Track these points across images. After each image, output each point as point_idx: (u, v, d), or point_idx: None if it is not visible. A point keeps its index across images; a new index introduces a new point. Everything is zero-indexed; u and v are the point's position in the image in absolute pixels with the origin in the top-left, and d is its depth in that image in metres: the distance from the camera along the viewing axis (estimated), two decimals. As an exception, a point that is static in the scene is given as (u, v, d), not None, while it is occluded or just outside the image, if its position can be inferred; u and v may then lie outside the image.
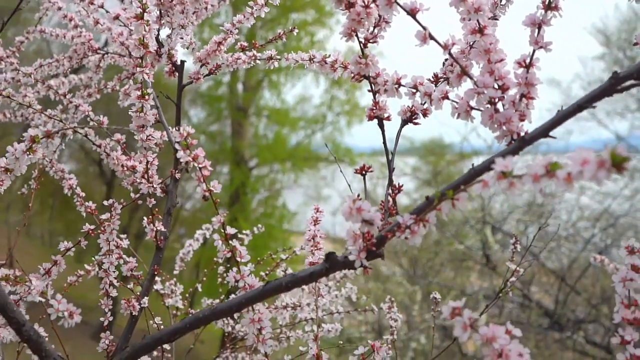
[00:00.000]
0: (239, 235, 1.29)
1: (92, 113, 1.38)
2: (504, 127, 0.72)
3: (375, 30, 0.85)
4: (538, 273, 6.41)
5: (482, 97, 0.73)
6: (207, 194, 0.82)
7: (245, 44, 1.23)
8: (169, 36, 1.19)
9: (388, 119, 0.89)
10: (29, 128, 1.13)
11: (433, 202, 0.60)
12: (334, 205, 9.28)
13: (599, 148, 0.44)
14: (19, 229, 1.48)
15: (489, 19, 0.74)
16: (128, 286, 1.12)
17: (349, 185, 1.01)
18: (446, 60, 0.84)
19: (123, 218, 1.11)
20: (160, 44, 1.18)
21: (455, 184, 0.65)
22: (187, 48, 1.21)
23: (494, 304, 1.45)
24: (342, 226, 6.89)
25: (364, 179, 0.90)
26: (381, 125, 0.89)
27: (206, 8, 1.20)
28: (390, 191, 0.84)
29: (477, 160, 0.67)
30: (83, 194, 1.21)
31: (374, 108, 0.88)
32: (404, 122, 0.88)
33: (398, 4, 0.71)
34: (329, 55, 1.05)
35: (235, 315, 1.62)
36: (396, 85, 0.86)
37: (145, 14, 0.95)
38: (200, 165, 0.80)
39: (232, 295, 0.82)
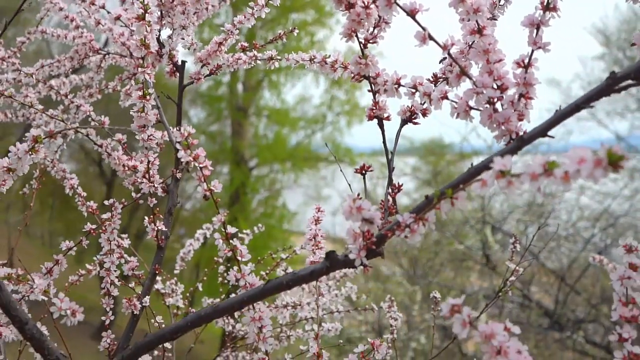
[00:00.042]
0: (239, 235, 1.29)
1: (93, 113, 1.39)
2: (503, 127, 0.72)
3: (375, 31, 0.86)
4: (538, 273, 6.42)
5: (481, 97, 0.74)
6: (207, 193, 0.83)
7: (246, 44, 1.24)
8: (170, 37, 1.19)
9: (388, 118, 0.89)
10: (30, 128, 1.14)
11: (432, 201, 0.60)
12: (334, 205, 9.29)
13: (599, 148, 0.45)
14: (20, 228, 1.48)
15: (488, 19, 0.75)
16: (130, 285, 1.13)
17: (349, 185, 1.01)
18: (444, 59, 0.85)
19: (123, 218, 1.11)
20: (161, 45, 1.18)
21: (454, 183, 0.65)
22: (189, 48, 1.22)
23: (493, 304, 1.46)
24: (342, 226, 6.90)
25: (364, 178, 0.90)
26: (381, 125, 0.89)
27: (207, 8, 1.21)
28: (390, 190, 0.84)
29: (477, 160, 0.67)
30: (84, 194, 1.22)
31: (374, 108, 0.89)
32: (404, 122, 0.88)
33: (398, 5, 0.72)
34: (329, 56, 1.05)
35: (236, 315, 1.62)
36: (396, 85, 0.86)
37: (146, 14, 0.96)
38: (201, 165, 0.81)
39: (233, 295, 0.82)
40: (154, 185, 1.09)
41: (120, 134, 1.22)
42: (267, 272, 1.67)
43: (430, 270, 7.16)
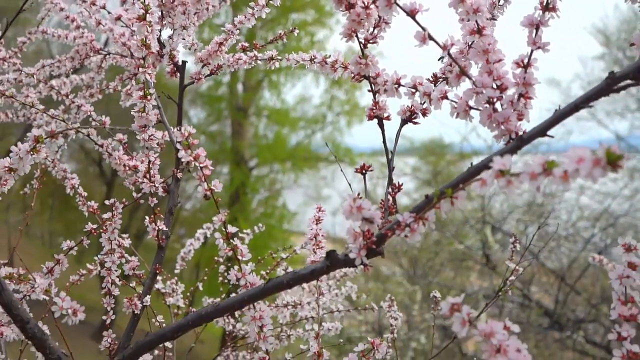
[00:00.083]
0: (240, 235, 1.30)
1: (94, 113, 1.39)
2: (502, 127, 0.73)
3: (375, 31, 0.86)
4: (538, 273, 6.42)
5: (480, 96, 0.74)
6: (208, 193, 0.83)
7: (247, 44, 1.24)
8: (170, 37, 1.19)
9: (388, 118, 0.90)
10: (31, 128, 1.14)
11: (432, 200, 0.61)
12: (334, 205, 9.28)
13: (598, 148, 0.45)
14: (21, 228, 1.49)
15: (488, 19, 0.75)
16: (130, 285, 1.13)
17: (349, 185, 1.01)
18: (441, 58, 0.85)
19: (123, 218, 1.12)
20: (162, 45, 1.19)
21: (454, 182, 0.66)
22: (189, 49, 1.22)
23: (493, 303, 1.46)
24: (342, 226, 6.91)
25: (364, 178, 0.91)
26: (381, 125, 0.89)
27: (207, 9, 1.21)
28: (390, 190, 0.84)
29: (477, 160, 0.68)
30: (85, 194, 1.22)
31: (374, 108, 0.89)
32: (404, 122, 0.89)
33: (398, 5, 0.72)
34: (330, 56, 1.06)
35: (237, 314, 1.63)
36: (396, 85, 0.87)
37: (147, 15, 0.96)
38: (201, 165, 0.81)
39: (233, 294, 0.83)
40: (154, 185, 1.09)
41: (121, 134, 1.22)
42: (268, 271, 1.67)
43: (430, 270, 7.16)
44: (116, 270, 1.08)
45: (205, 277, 1.79)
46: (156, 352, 1.43)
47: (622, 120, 7.92)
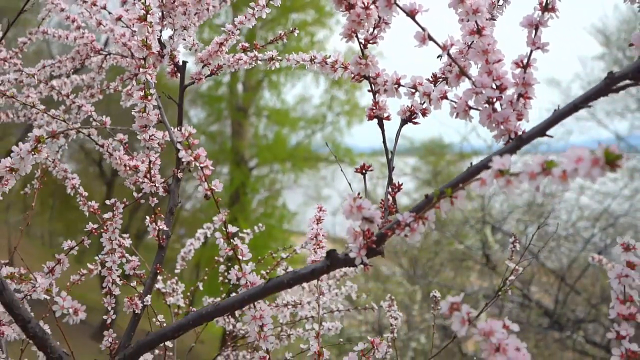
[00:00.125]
0: (240, 234, 1.30)
1: (95, 113, 1.39)
2: (502, 127, 0.73)
3: (375, 31, 0.86)
4: (538, 273, 6.42)
5: (480, 96, 0.74)
6: (209, 193, 0.83)
7: (247, 44, 1.25)
8: (171, 37, 1.20)
9: (388, 118, 0.90)
10: (32, 128, 1.14)
11: (432, 200, 0.61)
12: (334, 205, 9.28)
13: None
14: (21, 228, 1.49)
15: (487, 19, 0.75)
16: (131, 284, 1.13)
17: (349, 185, 1.02)
18: (441, 56, 0.85)
19: (123, 218, 1.12)
20: (162, 45, 1.19)
21: (453, 182, 0.66)
22: (190, 49, 1.23)
23: (493, 303, 1.46)
24: (343, 226, 6.91)
25: (364, 178, 0.91)
26: (381, 125, 0.90)
27: (208, 9, 1.21)
28: (390, 190, 0.85)
29: (477, 160, 0.68)
30: (86, 194, 1.22)
31: (374, 108, 0.89)
32: (404, 122, 0.89)
33: (397, 6, 0.73)
34: (330, 56, 1.06)
35: (237, 314, 1.63)
36: (396, 86, 0.87)
37: (148, 15, 0.96)
38: (202, 165, 0.82)
39: (234, 294, 0.83)
40: (155, 185, 1.10)
41: (122, 134, 1.23)
42: (268, 271, 1.67)
43: (430, 270, 7.16)
44: (117, 270, 1.08)
45: (206, 277, 1.79)
46: (157, 351, 1.43)
47: (622, 120, 7.93)
